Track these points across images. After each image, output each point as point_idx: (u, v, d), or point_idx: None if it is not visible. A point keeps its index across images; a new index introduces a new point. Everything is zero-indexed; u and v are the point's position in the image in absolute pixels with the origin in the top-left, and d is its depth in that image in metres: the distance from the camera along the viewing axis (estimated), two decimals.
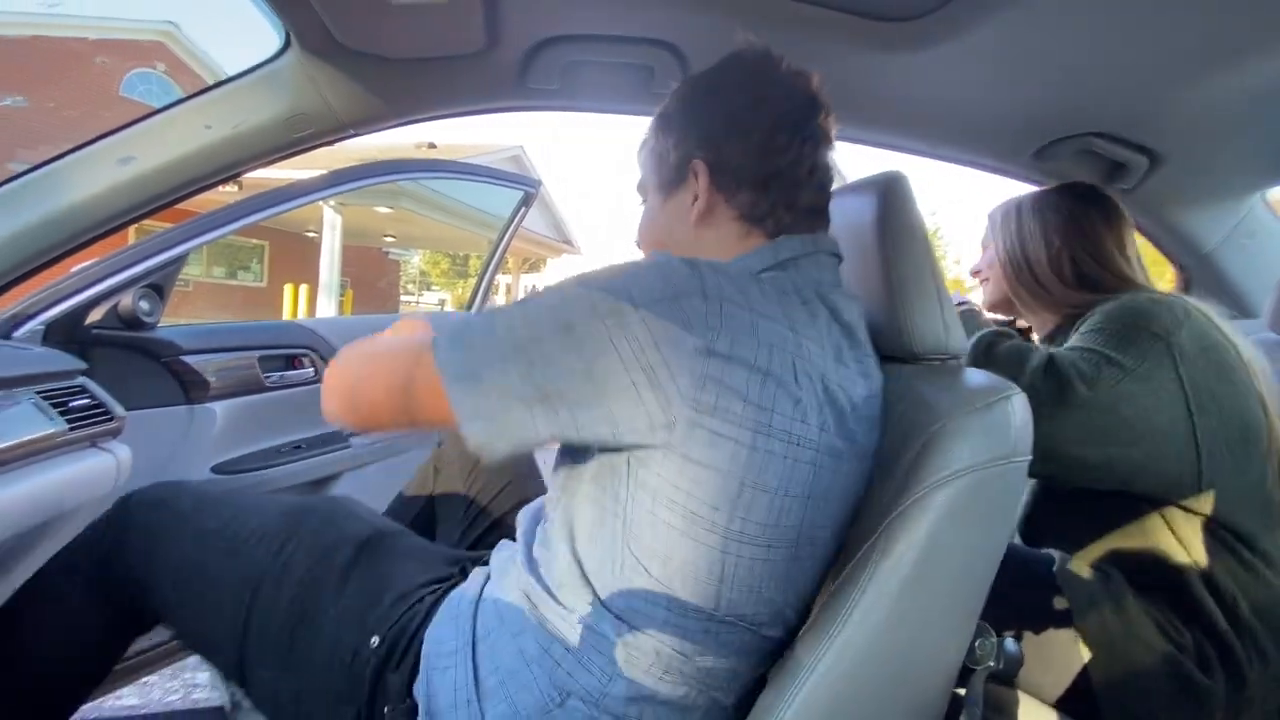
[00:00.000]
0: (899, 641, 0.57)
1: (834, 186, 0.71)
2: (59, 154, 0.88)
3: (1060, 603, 0.85)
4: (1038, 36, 0.85)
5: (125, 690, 1.54)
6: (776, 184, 0.64)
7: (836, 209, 0.78)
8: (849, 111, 1.11)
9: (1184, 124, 1.04)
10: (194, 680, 1.76)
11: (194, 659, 1.75)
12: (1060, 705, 0.84)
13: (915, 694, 0.60)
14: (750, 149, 0.64)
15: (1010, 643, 0.64)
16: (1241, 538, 0.82)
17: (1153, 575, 0.83)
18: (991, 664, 0.62)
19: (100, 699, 1.28)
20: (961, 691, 0.65)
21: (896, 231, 0.69)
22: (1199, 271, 1.46)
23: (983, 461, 0.59)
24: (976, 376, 0.66)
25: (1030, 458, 0.62)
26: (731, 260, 0.63)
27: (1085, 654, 0.82)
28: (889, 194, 0.70)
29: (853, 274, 0.73)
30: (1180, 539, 0.83)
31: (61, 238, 0.88)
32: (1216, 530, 0.82)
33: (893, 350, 0.72)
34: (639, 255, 0.68)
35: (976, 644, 0.63)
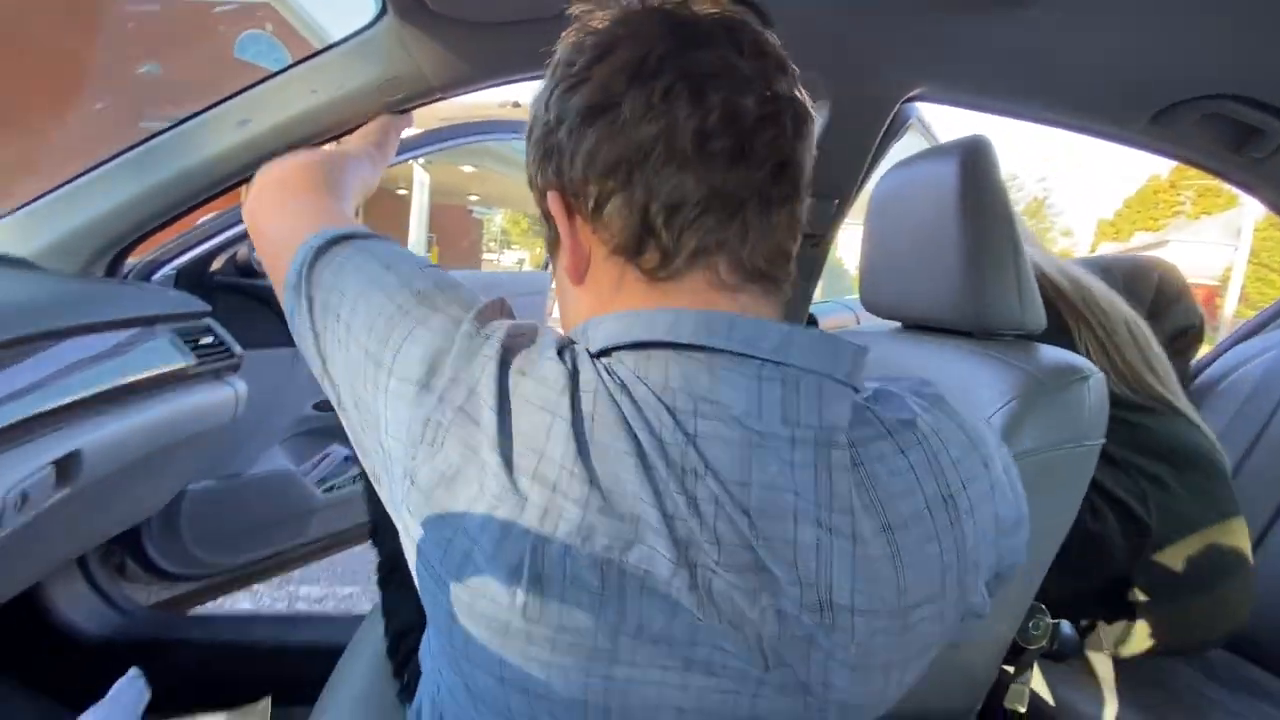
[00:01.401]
0: None
1: (920, 148, 0.68)
2: (186, 117, 0.98)
3: None
4: None
5: (240, 594, 1.76)
6: (641, 175, 0.38)
7: (912, 174, 0.76)
8: (949, 72, 1.05)
9: None
10: (296, 593, 1.98)
11: (298, 573, 1.97)
12: None
13: (961, 668, 0.61)
14: (590, 129, 0.39)
15: (1066, 626, 0.63)
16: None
17: None
18: (1044, 644, 0.61)
19: (218, 600, 1.47)
20: (1010, 669, 0.65)
21: (976, 200, 0.67)
22: None
23: (1051, 444, 0.58)
24: (1052, 355, 0.64)
25: (1103, 441, 0.60)
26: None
27: None
28: (970, 160, 0.68)
29: (926, 241, 0.71)
30: None
31: (189, 192, 0.98)
32: None
33: (962, 323, 0.71)
34: None
35: (1031, 624, 0.63)
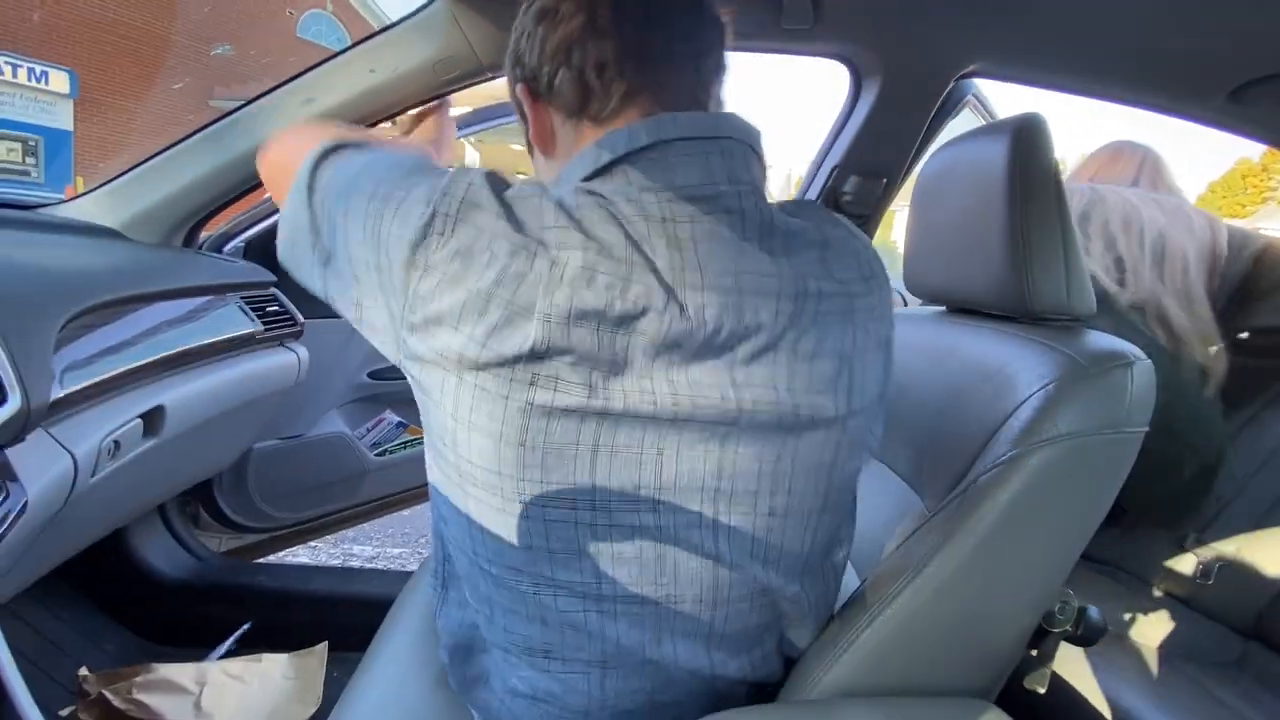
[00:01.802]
0: (970, 597, 0.58)
1: (978, 125, 0.67)
2: (254, 97, 1.03)
3: None
4: None
5: (300, 550, 1.87)
6: (577, 51, 0.49)
7: (960, 153, 0.74)
8: (1006, 46, 1.01)
9: None
10: (350, 550, 2.09)
11: (352, 533, 2.09)
12: None
13: (982, 649, 0.61)
14: (539, 28, 0.51)
15: (1094, 611, 0.62)
16: None
17: None
18: (1069, 629, 0.61)
19: (280, 553, 1.58)
20: (1034, 653, 0.65)
21: (1026, 181, 0.65)
22: None
23: (1089, 428, 0.57)
24: (1097, 340, 0.62)
25: (1146, 429, 0.58)
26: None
27: None
28: (1022, 139, 0.66)
29: (973, 223, 0.70)
30: None
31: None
32: None
33: (1007, 307, 0.69)
34: None
35: (1057, 609, 0.63)
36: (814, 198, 1.22)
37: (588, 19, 0.49)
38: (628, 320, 0.43)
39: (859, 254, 0.52)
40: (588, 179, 0.47)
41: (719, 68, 0.53)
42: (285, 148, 0.62)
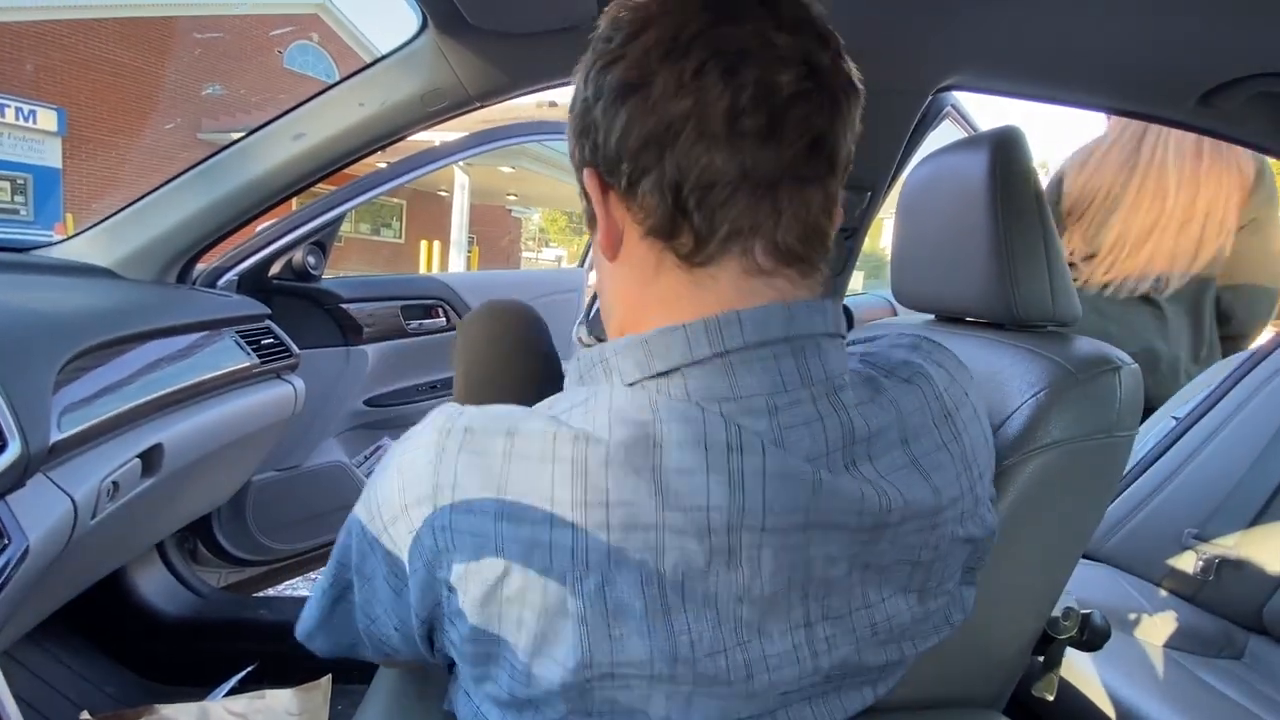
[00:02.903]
0: (975, 606, 0.58)
1: (959, 137, 0.68)
2: (245, 134, 1.05)
3: None
4: None
5: (298, 581, 1.85)
6: (672, 154, 0.37)
7: (942, 165, 0.76)
8: (983, 59, 1.04)
9: None
10: None
11: None
12: None
13: (988, 658, 0.62)
14: (623, 107, 0.38)
15: (1098, 616, 0.63)
16: None
17: None
18: (1074, 634, 0.61)
19: (279, 585, 1.56)
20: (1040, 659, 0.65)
21: (1007, 192, 0.67)
22: None
23: (1081, 434, 0.58)
24: (1085, 346, 0.64)
25: (1135, 433, 0.59)
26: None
27: None
28: (1002, 151, 0.67)
29: (956, 233, 0.72)
30: None
31: (251, 204, 1.05)
32: None
33: (993, 315, 0.71)
34: None
35: (1061, 615, 0.63)
36: None
37: (694, 111, 0.36)
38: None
39: (936, 411, 0.44)
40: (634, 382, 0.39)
41: (836, 197, 0.41)
42: None
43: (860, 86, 0.41)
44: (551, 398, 0.41)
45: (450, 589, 0.37)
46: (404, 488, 0.39)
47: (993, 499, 0.48)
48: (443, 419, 0.39)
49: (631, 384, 0.39)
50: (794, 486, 0.37)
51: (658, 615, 0.36)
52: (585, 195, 0.43)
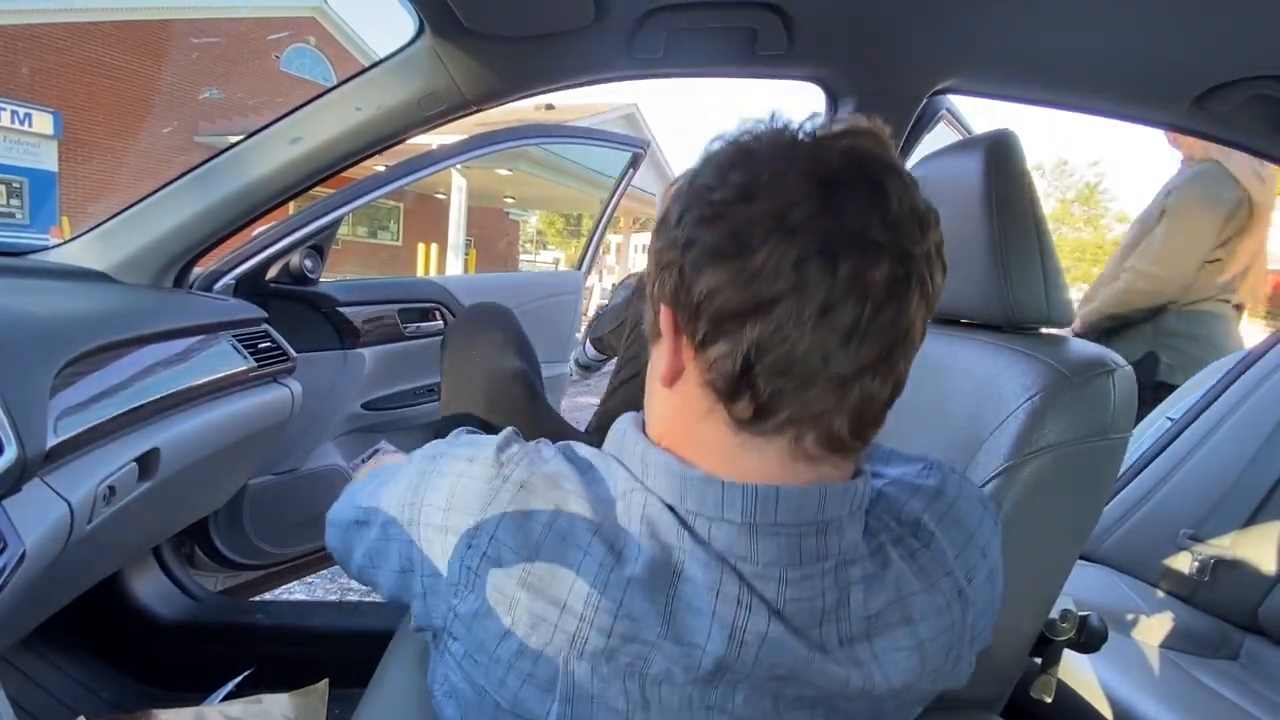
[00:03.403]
0: None
1: (954, 138, 0.68)
2: (242, 137, 1.05)
3: None
4: None
5: (295, 586, 1.85)
6: (754, 328, 0.37)
7: (937, 168, 0.77)
8: (976, 63, 1.04)
9: None
10: (347, 584, 2.07)
11: None
12: None
13: (986, 661, 0.62)
14: (717, 268, 0.37)
15: (1095, 618, 0.63)
16: None
17: None
18: (1071, 636, 0.62)
19: (276, 589, 1.56)
20: (1038, 660, 0.65)
21: (1001, 195, 0.67)
22: None
23: (1076, 437, 0.58)
24: (1079, 349, 0.64)
25: (1129, 435, 0.60)
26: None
27: None
28: (995, 155, 0.68)
29: (951, 236, 0.72)
30: None
31: (248, 207, 1.05)
32: None
33: (989, 317, 0.71)
34: None
35: (1058, 617, 0.63)
36: None
37: (789, 295, 0.36)
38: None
39: (948, 590, 0.44)
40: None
41: (904, 379, 0.41)
42: None
43: (944, 265, 0.40)
44: (593, 455, 0.45)
45: (456, 615, 0.42)
46: (449, 509, 0.43)
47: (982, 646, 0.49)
48: (502, 455, 0.44)
49: (666, 504, 0.41)
50: (788, 656, 0.39)
51: (637, 707, 0.39)
52: (656, 323, 0.43)
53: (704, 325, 0.38)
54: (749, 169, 0.38)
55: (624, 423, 0.46)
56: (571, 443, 0.47)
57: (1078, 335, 1.80)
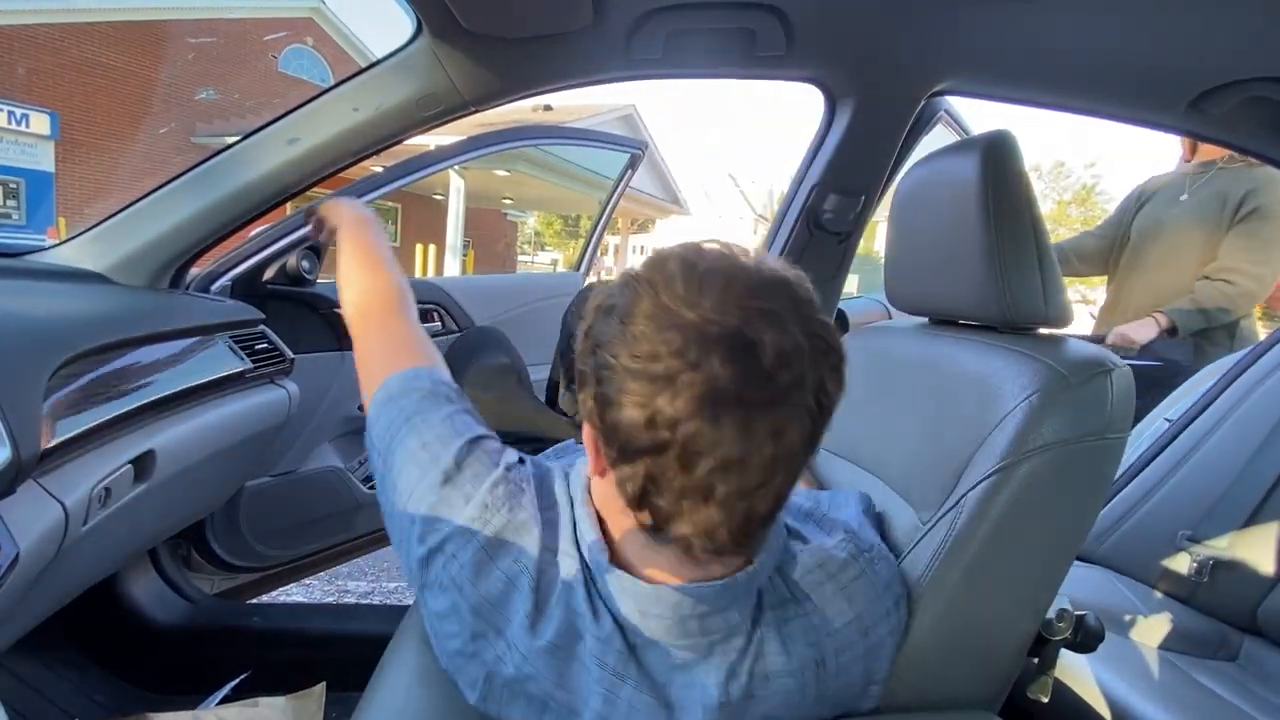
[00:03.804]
0: (969, 609, 0.59)
1: (952, 139, 0.68)
2: (239, 138, 1.04)
3: None
4: None
5: (293, 589, 1.84)
6: (655, 466, 0.42)
7: (935, 169, 0.77)
8: (973, 66, 1.05)
9: None
10: (345, 587, 2.06)
11: (346, 569, 2.06)
12: None
13: (983, 660, 0.62)
14: (626, 411, 0.42)
15: (1091, 617, 0.63)
16: None
17: None
18: (1067, 636, 0.62)
19: (273, 592, 1.55)
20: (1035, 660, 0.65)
21: (998, 195, 0.67)
22: None
23: (1074, 437, 0.58)
24: (1077, 349, 0.64)
25: (1127, 435, 0.60)
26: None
27: None
28: (992, 155, 0.68)
29: (949, 237, 0.72)
30: None
31: (245, 208, 1.05)
32: None
33: (986, 317, 0.71)
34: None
35: (1055, 616, 0.63)
36: (795, 216, 1.24)
37: (678, 450, 0.41)
38: None
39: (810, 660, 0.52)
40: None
41: (785, 496, 0.46)
42: (361, 346, 0.69)
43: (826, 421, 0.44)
44: (560, 498, 0.55)
45: (426, 585, 0.53)
46: (467, 499, 0.53)
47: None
48: (508, 479, 0.54)
49: (585, 572, 0.51)
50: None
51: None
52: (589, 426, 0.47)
53: (614, 450, 0.44)
54: (671, 352, 0.41)
55: (582, 478, 0.54)
56: (553, 470, 0.57)
57: (1167, 332, 1.72)
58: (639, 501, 0.44)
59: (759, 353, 0.40)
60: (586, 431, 0.47)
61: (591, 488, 0.53)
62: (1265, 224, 1.69)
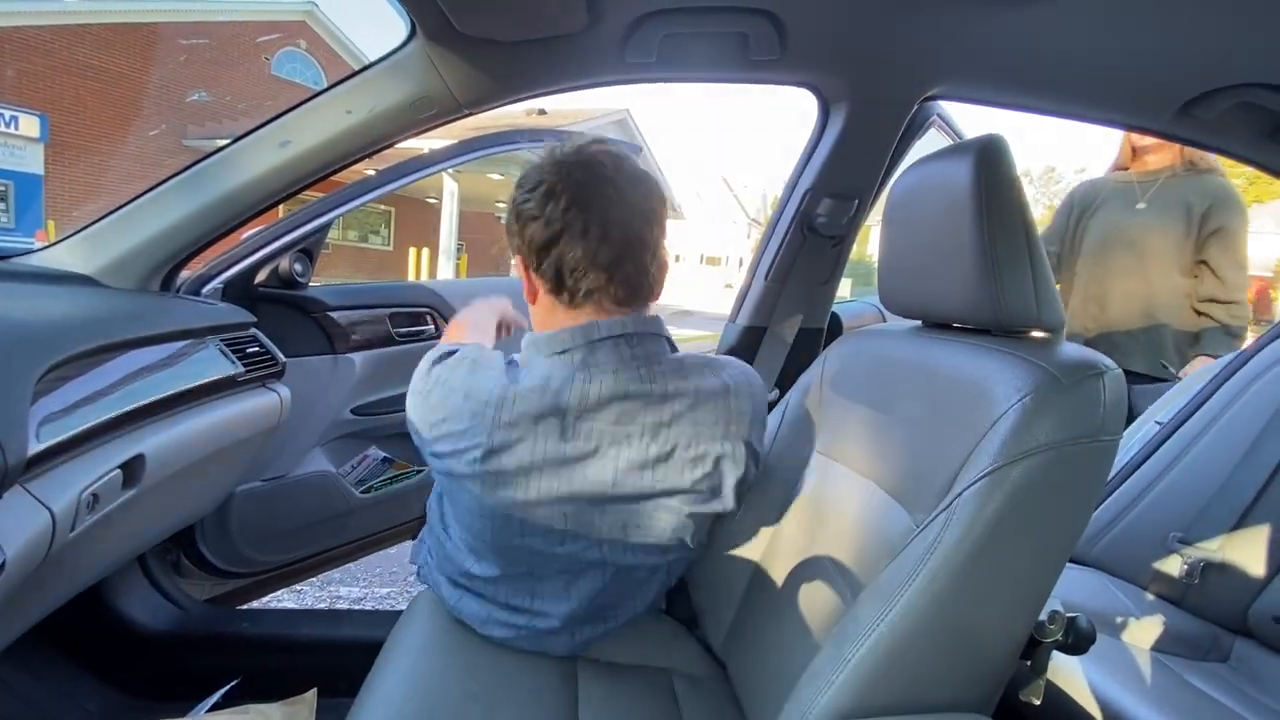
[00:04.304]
0: (961, 611, 0.59)
1: (944, 143, 0.70)
2: (230, 140, 1.04)
3: None
4: None
5: (284, 594, 1.83)
6: (555, 252, 0.75)
7: (927, 173, 0.77)
8: (966, 70, 1.05)
9: None
10: (337, 592, 2.05)
11: (338, 574, 2.04)
12: None
13: (975, 663, 0.62)
14: (531, 225, 0.76)
15: (1083, 619, 0.63)
16: None
17: None
18: (1059, 639, 0.62)
19: (265, 598, 1.54)
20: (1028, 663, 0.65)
21: (990, 199, 0.67)
22: None
23: (1067, 439, 0.58)
24: (1070, 351, 0.64)
25: (1119, 437, 0.60)
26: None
27: None
28: (985, 159, 0.68)
29: (942, 240, 0.72)
30: None
31: (237, 211, 1.04)
32: None
33: (979, 321, 0.71)
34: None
35: (1047, 618, 0.63)
36: (788, 220, 1.25)
37: (566, 231, 0.73)
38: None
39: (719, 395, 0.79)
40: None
41: (659, 253, 0.78)
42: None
43: (664, 206, 0.80)
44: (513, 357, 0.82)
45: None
46: (472, 390, 0.76)
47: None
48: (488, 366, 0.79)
49: (548, 356, 0.77)
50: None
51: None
52: (521, 264, 0.80)
53: (533, 259, 0.76)
54: (539, 177, 0.76)
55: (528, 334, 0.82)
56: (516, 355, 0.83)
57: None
58: (557, 280, 0.75)
59: (606, 166, 0.76)
60: (521, 273, 0.79)
61: (532, 315, 0.82)
62: (1234, 242, 1.74)
